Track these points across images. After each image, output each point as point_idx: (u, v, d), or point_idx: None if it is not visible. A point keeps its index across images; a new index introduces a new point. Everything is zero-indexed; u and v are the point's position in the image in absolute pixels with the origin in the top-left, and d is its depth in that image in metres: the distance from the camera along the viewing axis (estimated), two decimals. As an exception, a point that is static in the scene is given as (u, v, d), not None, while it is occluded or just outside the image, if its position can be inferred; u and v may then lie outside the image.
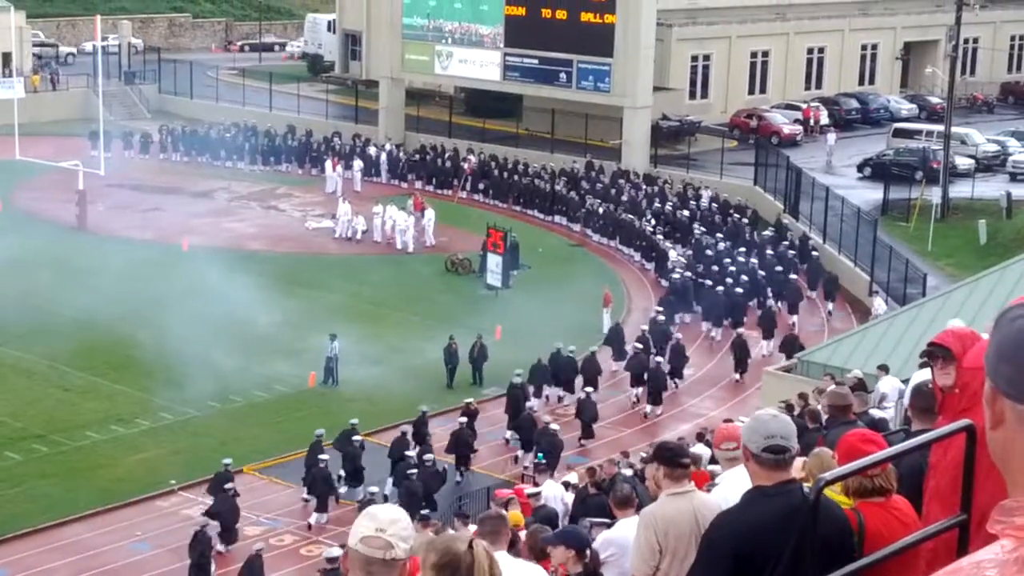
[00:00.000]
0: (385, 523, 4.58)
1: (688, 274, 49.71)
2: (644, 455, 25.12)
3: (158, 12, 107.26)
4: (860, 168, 65.78)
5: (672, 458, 8.59)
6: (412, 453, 34.41)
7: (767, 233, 55.00)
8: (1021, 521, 2.42)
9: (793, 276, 49.92)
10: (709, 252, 51.86)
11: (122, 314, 46.01)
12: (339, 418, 38.88)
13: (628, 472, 23.76)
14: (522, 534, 14.10)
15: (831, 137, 67.70)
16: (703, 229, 55.13)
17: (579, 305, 47.63)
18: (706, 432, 28.29)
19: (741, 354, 43.29)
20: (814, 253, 53.06)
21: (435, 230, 57.69)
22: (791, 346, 42.13)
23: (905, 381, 26.68)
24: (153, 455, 37.03)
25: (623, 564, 10.58)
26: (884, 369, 29.10)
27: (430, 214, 58.14)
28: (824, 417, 16.09)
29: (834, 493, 6.61)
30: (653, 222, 56.77)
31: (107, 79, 75.18)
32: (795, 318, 47.41)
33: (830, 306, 49.85)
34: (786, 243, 54.14)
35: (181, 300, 47.09)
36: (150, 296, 47.76)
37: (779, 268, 50.33)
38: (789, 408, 23.77)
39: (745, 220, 56.95)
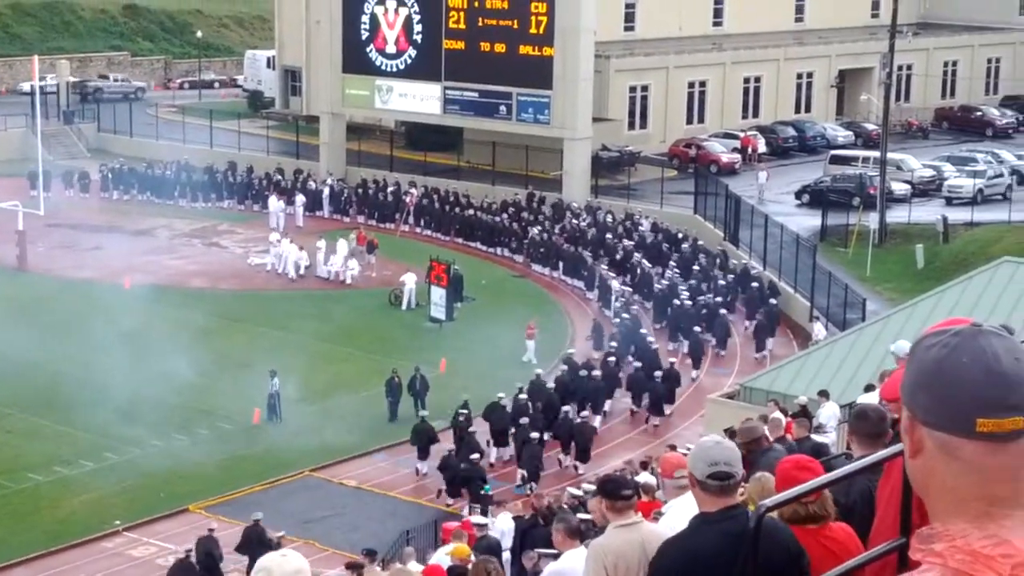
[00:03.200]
0: None
1: (633, 306, 50.34)
2: (587, 487, 25.20)
3: (96, 51, 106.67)
4: (798, 195, 66.29)
5: (613, 490, 8.64)
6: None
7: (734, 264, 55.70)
8: (939, 547, 2.52)
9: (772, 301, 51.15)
10: (655, 282, 52.41)
11: (64, 354, 45.66)
12: (284, 456, 38.88)
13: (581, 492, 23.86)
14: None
15: (762, 176, 67.77)
16: (640, 256, 55.61)
17: (524, 336, 47.66)
18: (651, 460, 28.35)
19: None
20: (753, 284, 53.16)
21: (349, 262, 57.47)
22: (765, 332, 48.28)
23: (844, 406, 26.98)
24: (97, 496, 36.72)
25: (571, 595, 10.66)
26: (824, 395, 29.29)
27: (342, 246, 58.04)
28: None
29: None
30: (606, 259, 57.02)
31: (45, 119, 74.67)
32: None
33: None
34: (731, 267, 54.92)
35: (124, 339, 46.73)
36: (92, 335, 47.38)
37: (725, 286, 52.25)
38: (732, 434, 23.89)
39: (686, 246, 57.49)
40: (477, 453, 36.33)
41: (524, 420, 38.29)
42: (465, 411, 38.71)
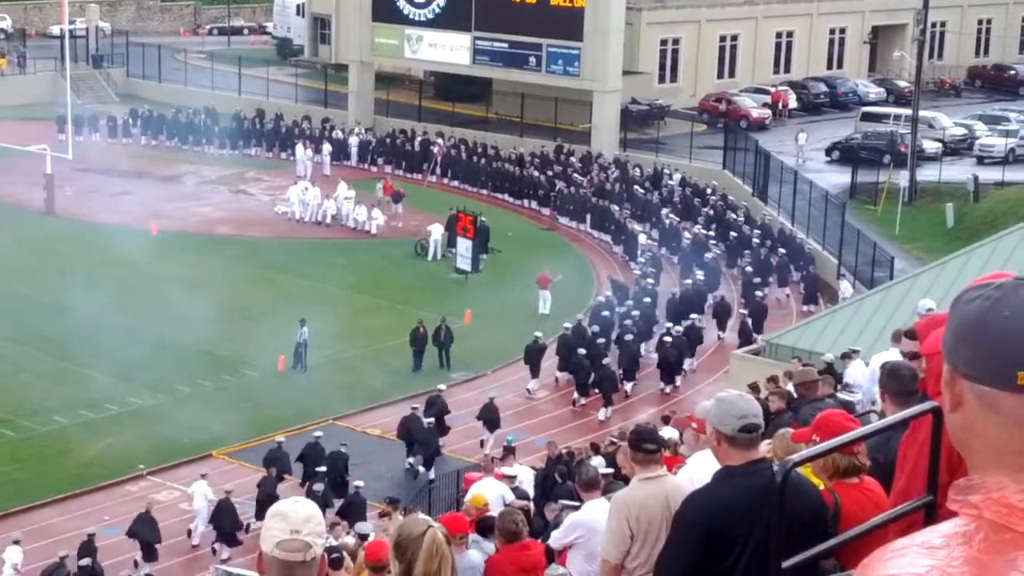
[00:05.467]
0: (299, 523, 4.33)
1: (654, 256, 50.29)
2: (613, 439, 25.25)
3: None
4: (828, 152, 65.99)
5: (635, 442, 8.63)
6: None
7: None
8: (975, 499, 2.50)
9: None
10: (687, 235, 52.34)
11: (90, 298, 45.78)
12: (309, 404, 38.99)
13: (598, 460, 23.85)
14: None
15: (802, 137, 66.93)
16: (668, 211, 55.50)
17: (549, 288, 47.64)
18: (673, 415, 28.29)
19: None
20: (798, 238, 52.98)
21: (373, 212, 57.52)
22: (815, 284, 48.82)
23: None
24: (122, 440, 36.95)
25: (591, 546, 10.65)
26: (855, 353, 29.01)
27: (343, 188, 58.53)
28: (782, 400, 16.17)
29: (807, 472, 6.66)
30: (630, 212, 56.91)
31: (75, 63, 74.72)
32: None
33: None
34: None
35: (150, 284, 46.91)
36: (119, 280, 47.57)
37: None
38: (755, 390, 23.82)
39: (715, 198, 57.30)
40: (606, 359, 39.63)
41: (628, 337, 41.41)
42: (569, 326, 41.68)
